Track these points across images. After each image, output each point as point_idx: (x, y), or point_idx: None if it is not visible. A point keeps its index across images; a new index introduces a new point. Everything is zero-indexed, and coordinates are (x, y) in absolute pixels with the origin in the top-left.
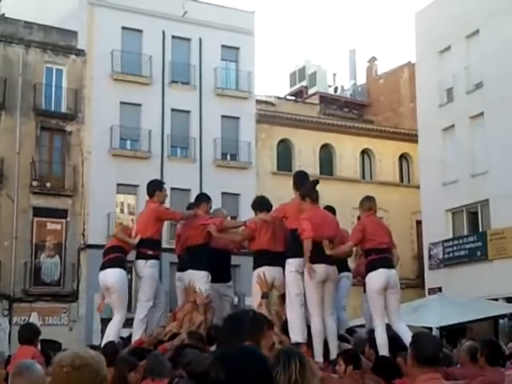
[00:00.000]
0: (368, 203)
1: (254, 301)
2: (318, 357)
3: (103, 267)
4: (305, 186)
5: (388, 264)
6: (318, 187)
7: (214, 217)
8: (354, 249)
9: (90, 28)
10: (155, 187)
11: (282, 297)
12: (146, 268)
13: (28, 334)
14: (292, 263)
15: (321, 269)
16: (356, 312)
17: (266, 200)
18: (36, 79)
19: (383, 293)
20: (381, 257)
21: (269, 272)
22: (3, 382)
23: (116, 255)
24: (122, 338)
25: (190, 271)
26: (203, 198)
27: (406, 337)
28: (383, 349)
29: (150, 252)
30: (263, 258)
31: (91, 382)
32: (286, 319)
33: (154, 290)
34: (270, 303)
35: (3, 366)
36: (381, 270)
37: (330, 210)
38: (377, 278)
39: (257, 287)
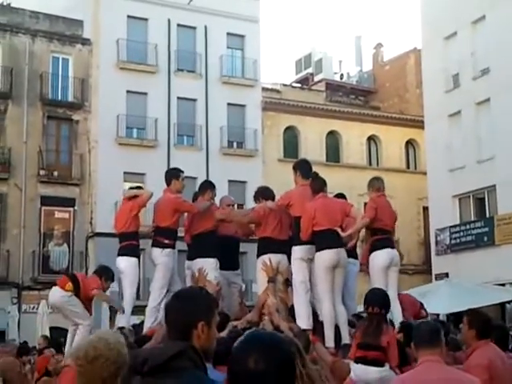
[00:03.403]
0: (377, 183)
1: (259, 287)
2: (329, 342)
3: (118, 254)
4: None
5: (391, 244)
6: (324, 174)
7: (222, 204)
8: (362, 234)
9: (95, 17)
10: (172, 176)
11: (287, 282)
12: (162, 256)
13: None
14: (297, 250)
15: (332, 254)
16: (361, 298)
17: (268, 189)
18: (42, 69)
19: (386, 271)
20: (385, 237)
21: (274, 258)
22: (17, 368)
23: (128, 243)
24: (134, 326)
25: (198, 260)
26: (207, 186)
27: (396, 317)
28: None
29: (166, 241)
30: (268, 246)
31: (106, 372)
32: (293, 305)
33: (168, 279)
34: (275, 289)
35: (14, 353)
36: (385, 249)
37: (341, 196)
38: (381, 257)
39: (262, 273)
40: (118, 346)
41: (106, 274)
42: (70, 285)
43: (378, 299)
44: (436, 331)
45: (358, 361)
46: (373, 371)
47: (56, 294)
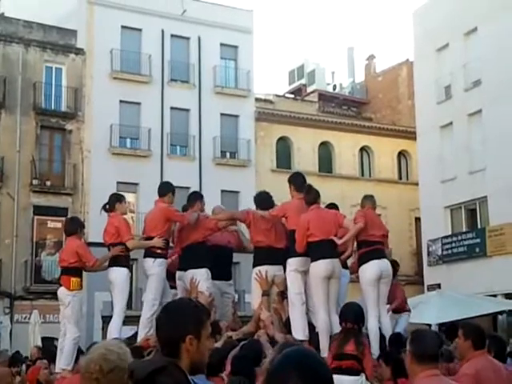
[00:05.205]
0: (365, 202)
1: (253, 298)
2: (324, 352)
3: (108, 265)
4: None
5: (379, 255)
6: (317, 185)
7: (212, 215)
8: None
9: (89, 27)
10: (169, 189)
11: (282, 294)
12: (154, 267)
13: (72, 227)
14: (292, 263)
15: (326, 264)
16: None
17: (267, 197)
18: (36, 78)
19: (376, 284)
20: (372, 248)
21: (270, 270)
22: (8, 379)
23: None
24: (129, 338)
25: (190, 271)
26: (196, 197)
27: (387, 330)
28: (374, 338)
29: (158, 251)
30: (265, 257)
31: (122, 382)
32: (289, 317)
33: (161, 289)
34: (269, 301)
35: (6, 364)
36: (373, 261)
37: (333, 206)
38: (370, 270)
39: (257, 285)
40: (126, 356)
41: (80, 226)
42: (73, 280)
43: (351, 315)
44: (440, 345)
45: (333, 372)
46: (348, 380)
47: (62, 292)
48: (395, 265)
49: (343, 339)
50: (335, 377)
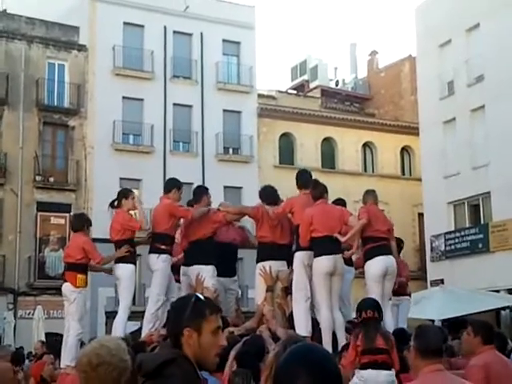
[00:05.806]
0: (367, 198)
1: (257, 294)
2: (327, 348)
3: (114, 261)
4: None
5: (385, 251)
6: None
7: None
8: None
9: (91, 23)
10: (174, 184)
11: (286, 289)
12: (159, 262)
13: (78, 223)
14: (298, 256)
15: (329, 260)
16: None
17: (273, 191)
18: (38, 74)
19: (381, 280)
20: (378, 244)
21: (274, 265)
22: (10, 374)
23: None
24: (132, 333)
25: (196, 266)
26: (202, 191)
27: (389, 325)
28: None
29: (162, 247)
30: (268, 252)
31: (110, 378)
32: (292, 312)
33: (166, 285)
34: (273, 297)
35: (9, 358)
36: (379, 257)
37: (340, 202)
38: (375, 266)
39: (261, 280)
40: (119, 353)
41: (87, 222)
42: (79, 277)
43: (370, 305)
44: (444, 340)
45: (366, 366)
46: (384, 375)
47: (67, 288)
48: (400, 242)
49: (367, 332)
50: (371, 371)
